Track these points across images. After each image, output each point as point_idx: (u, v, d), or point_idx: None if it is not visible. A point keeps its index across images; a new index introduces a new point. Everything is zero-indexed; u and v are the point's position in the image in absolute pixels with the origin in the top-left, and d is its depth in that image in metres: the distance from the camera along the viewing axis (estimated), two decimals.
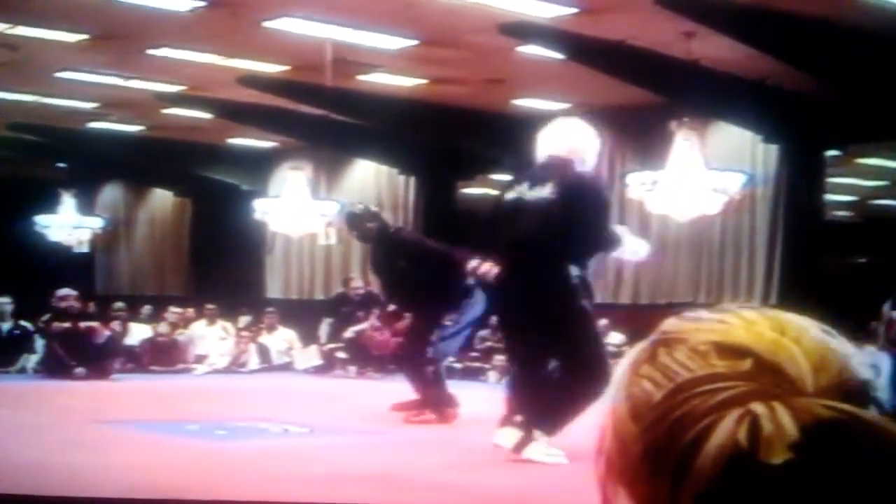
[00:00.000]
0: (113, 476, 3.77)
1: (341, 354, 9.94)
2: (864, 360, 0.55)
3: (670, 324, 0.57)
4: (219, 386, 8.30)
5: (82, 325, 9.01)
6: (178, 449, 4.63)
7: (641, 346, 0.58)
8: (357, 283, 10.63)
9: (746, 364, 0.53)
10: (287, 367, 10.11)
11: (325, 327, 10.35)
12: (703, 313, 0.57)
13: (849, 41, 7.89)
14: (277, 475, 3.91)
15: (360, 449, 4.70)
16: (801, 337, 0.55)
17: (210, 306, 11.06)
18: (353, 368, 9.73)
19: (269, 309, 10.96)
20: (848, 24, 7.72)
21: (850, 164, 12.24)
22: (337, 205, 11.55)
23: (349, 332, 10.01)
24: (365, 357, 9.89)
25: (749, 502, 0.51)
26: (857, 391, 0.53)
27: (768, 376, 0.53)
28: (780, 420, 0.51)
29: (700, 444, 0.52)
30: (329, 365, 9.97)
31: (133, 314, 10.99)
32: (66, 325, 8.95)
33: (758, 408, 0.52)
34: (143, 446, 4.69)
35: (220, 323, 10.77)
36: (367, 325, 10.06)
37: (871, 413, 0.53)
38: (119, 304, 10.95)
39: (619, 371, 0.58)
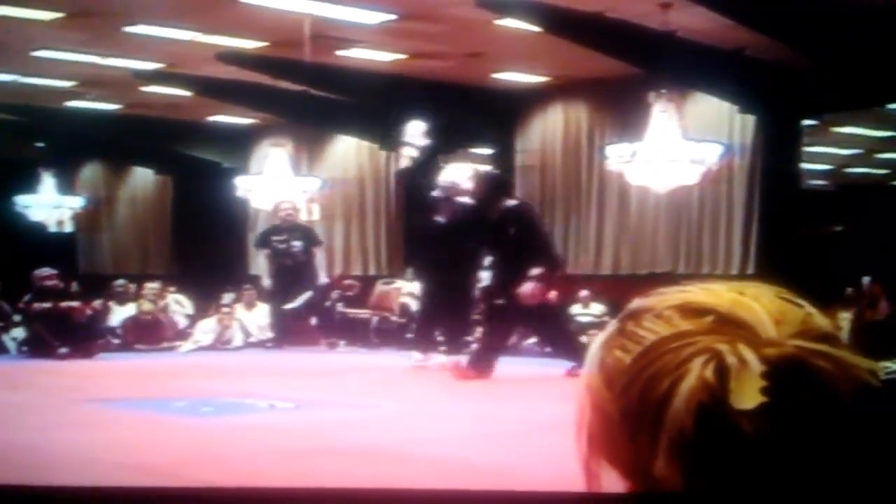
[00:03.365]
0: (99, 454, 3.79)
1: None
2: (825, 320, 0.56)
3: (636, 301, 0.59)
4: (204, 363, 8.35)
5: (65, 304, 9.01)
6: (165, 426, 4.66)
7: (610, 324, 0.60)
8: (286, 205, 9.67)
9: (708, 320, 0.55)
10: (269, 343, 10.14)
11: (262, 261, 9.54)
12: (666, 289, 0.59)
13: (824, 10, 7.95)
14: (264, 450, 3.96)
15: (346, 423, 4.75)
16: (759, 296, 0.56)
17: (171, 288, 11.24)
18: (342, 342, 9.78)
19: (247, 286, 10.99)
20: None
21: (825, 133, 12.35)
22: (318, 181, 11.55)
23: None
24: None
25: (723, 439, 0.51)
26: (819, 338, 0.54)
27: (731, 328, 0.54)
28: (745, 356, 0.52)
29: (672, 394, 0.53)
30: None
31: (118, 294, 11.00)
32: (49, 304, 8.95)
33: (722, 347, 0.53)
34: (130, 424, 4.72)
35: (172, 297, 10.82)
36: None
37: (834, 349, 0.54)
38: (121, 281, 10.97)
39: (592, 349, 0.59)
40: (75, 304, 9.11)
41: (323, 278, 9.76)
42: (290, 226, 9.54)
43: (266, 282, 9.59)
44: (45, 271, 9.29)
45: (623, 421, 0.55)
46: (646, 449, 0.54)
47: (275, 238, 9.51)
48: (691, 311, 0.56)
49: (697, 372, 0.52)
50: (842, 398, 0.52)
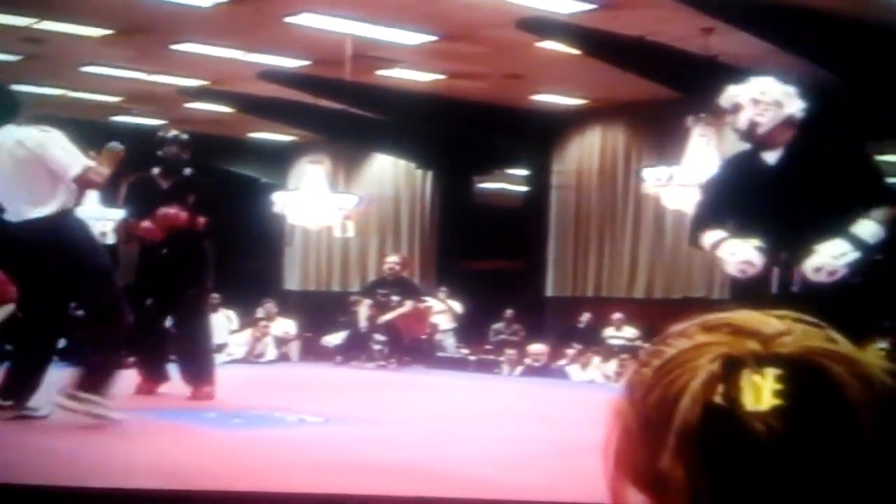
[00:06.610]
0: (133, 462, 3.84)
1: (378, 338, 10.00)
2: (848, 343, 0.56)
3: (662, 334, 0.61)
4: (236, 375, 8.42)
5: None
6: (196, 436, 4.70)
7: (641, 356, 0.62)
8: (392, 259, 10.49)
9: (724, 332, 0.57)
10: (284, 357, 10.40)
11: (363, 310, 10.35)
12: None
13: (868, 37, 7.88)
14: (292, 463, 3.98)
15: (375, 439, 4.75)
16: (781, 316, 0.58)
17: (214, 295, 11.26)
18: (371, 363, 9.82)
19: (268, 300, 11.16)
20: (867, 20, 7.71)
21: None
22: (354, 198, 11.67)
23: (383, 319, 10.12)
24: (395, 343, 10.04)
25: (732, 438, 0.51)
26: (836, 354, 0.54)
27: (744, 336, 0.56)
28: (756, 355, 0.53)
29: (681, 394, 0.54)
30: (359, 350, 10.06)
31: None
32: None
33: (733, 349, 0.54)
34: (163, 433, 4.77)
35: (223, 311, 10.92)
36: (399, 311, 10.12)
37: (851, 352, 0.54)
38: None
39: (626, 377, 0.61)
40: None
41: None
42: (394, 280, 10.27)
43: (363, 324, 10.31)
44: None
45: (640, 428, 0.56)
46: (655, 449, 0.54)
47: (380, 291, 10.30)
48: (709, 326, 0.58)
49: (707, 368, 0.54)
50: (858, 402, 0.51)
